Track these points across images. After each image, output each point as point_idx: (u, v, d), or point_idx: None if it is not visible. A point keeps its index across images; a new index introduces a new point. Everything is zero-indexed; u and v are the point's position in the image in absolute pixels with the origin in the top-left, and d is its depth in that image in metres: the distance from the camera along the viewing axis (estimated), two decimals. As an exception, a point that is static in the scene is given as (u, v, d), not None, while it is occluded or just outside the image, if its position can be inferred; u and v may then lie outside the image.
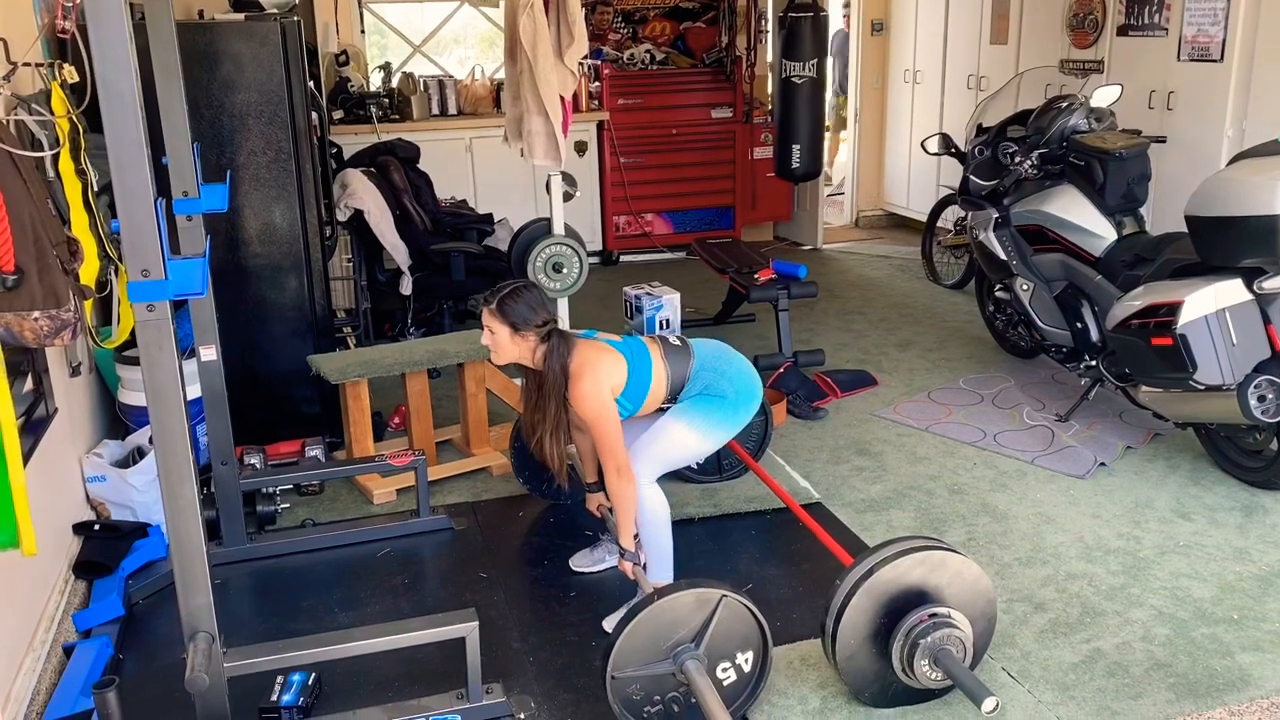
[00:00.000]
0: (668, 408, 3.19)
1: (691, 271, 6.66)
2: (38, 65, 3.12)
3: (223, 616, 2.43)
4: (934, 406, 4.81)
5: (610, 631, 3.09)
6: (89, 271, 2.93)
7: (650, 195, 7.65)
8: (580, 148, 7.37)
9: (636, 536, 3.08)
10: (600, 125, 7.46)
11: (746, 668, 2.69)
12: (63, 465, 3.43)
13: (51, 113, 2.88)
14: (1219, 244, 3.61)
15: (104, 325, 3.62)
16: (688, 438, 3.13)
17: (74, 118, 2.92)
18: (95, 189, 3.00)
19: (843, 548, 3.05)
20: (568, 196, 4.60)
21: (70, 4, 2.85)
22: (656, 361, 3.13)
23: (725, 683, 2.66)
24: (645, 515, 3.08)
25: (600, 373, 3.02)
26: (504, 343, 3.05)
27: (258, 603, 3.46)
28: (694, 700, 2.55)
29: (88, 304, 2.92)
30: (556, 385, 3.03)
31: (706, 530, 3.74)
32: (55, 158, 2.88)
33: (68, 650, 3.01)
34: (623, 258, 7.77)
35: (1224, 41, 5.24)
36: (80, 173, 2.96)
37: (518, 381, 4.48)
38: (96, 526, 3.52)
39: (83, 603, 3.27)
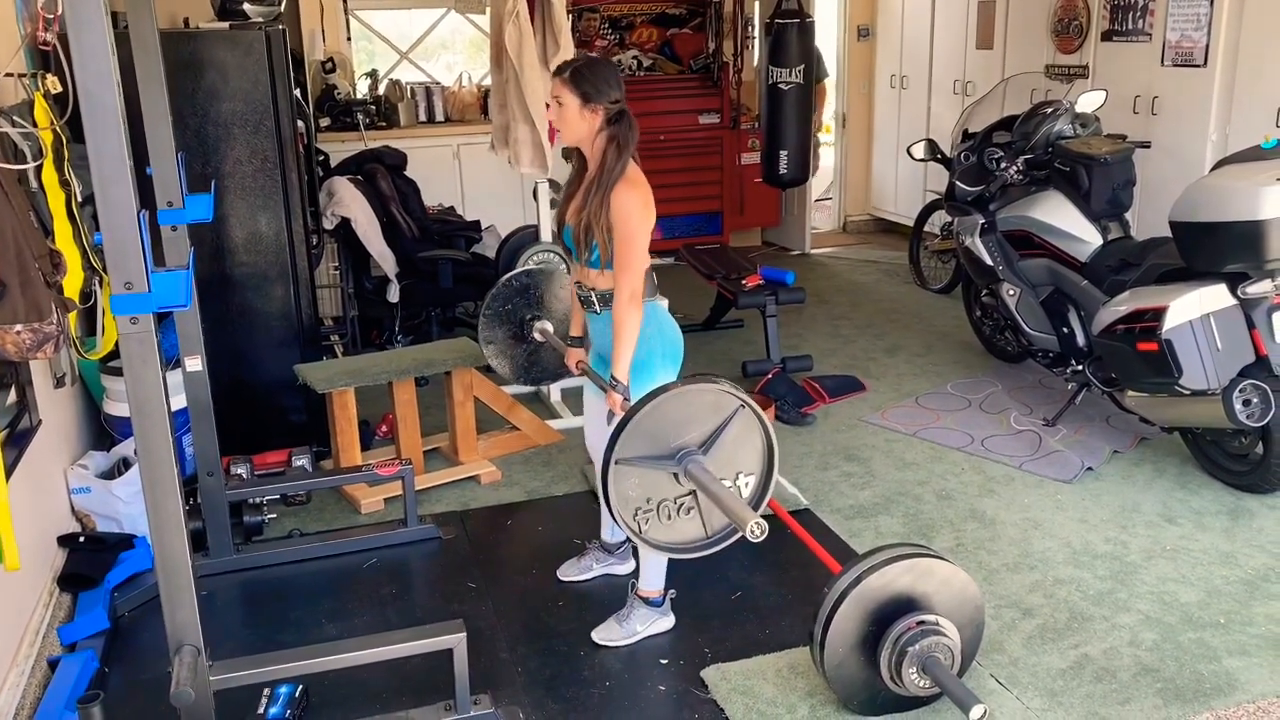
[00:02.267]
0: (594, 306, 3.04)
1: (679, 277, 6.66)
2: (20, 76, 3.11)
3: (209, 629, 2.42)
4: (922, 412, 4.82)
5: (600, 642, 3.10)
6: (73, 283, 2.92)
7: (638, 201, 7.63)
8: (568, 154, 7.35)
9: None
10: (588, 131, 7.44)
11: (744, 491, 2.61)
12: (47, 477, 3.41)
13: (35, 124, 2.87)
14: (1203, 249, 3.63)
15: (89, 336, 3.60)
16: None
17: (57, 129, 2.90)
18: (79, 200, 2.99)
19: (831, 555, 3.05)
20: (554, 203, 4.60)
21: (51, 15, 2.83)
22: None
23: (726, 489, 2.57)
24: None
25: (649, 196, 2.90)
26: (572, 115, 2.89)
27: (244, 614, 3.44)
28: (689, 511, 2.47)
29: (72, 315, 2.91)
30: (611, 176, 2.86)
31: (695, 538, 3.73)
32: (39, 169, 2.86)
33: (52, 664, 2.99)
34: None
35: (1207, 47, 5.27)
36: (64, 184, 2.94)
37: (505, 390, 4.49)
38: (81, 539, 3.50)
39: (68, 616, 3.25)
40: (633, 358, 2.97)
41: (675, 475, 2.52)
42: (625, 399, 2.92)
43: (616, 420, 2.57)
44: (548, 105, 4.22)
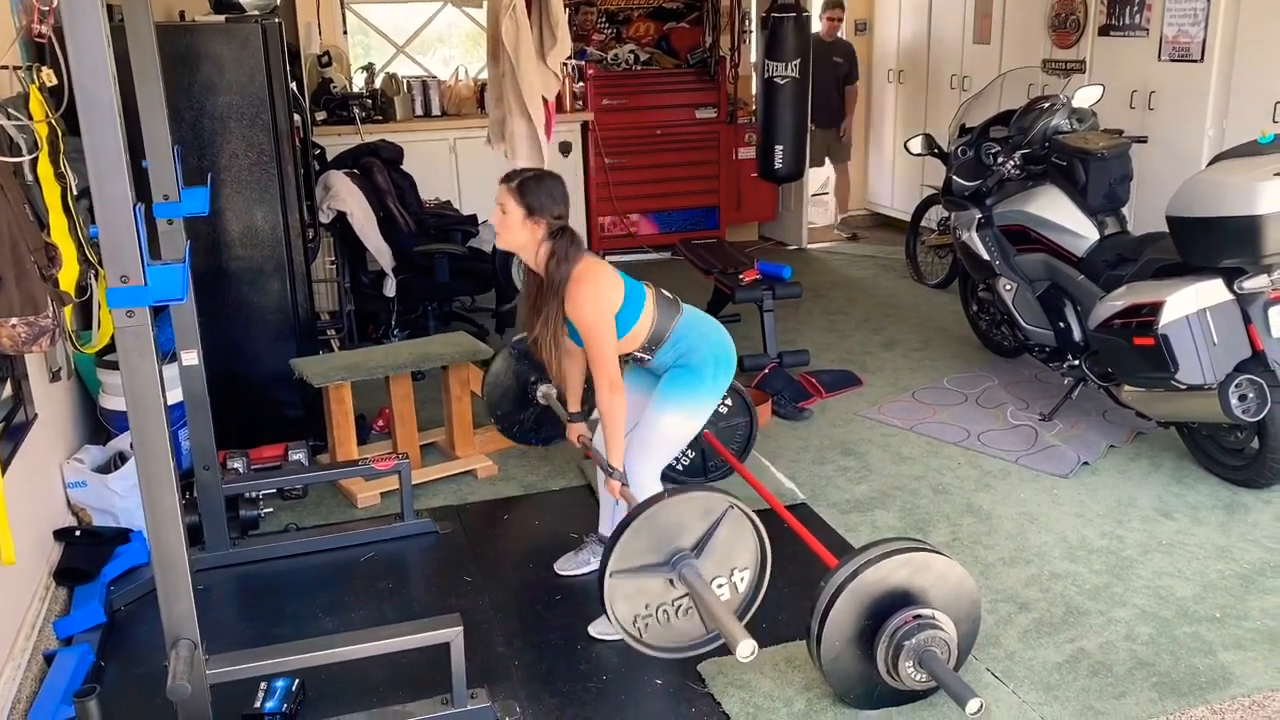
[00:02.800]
0: (641, 360, 3.12)
1: (677, 272, 6.65)
2: (16, 68, 3.09)
3: (205, 623, 2.42)
4: (918, 406, 4.82)
5: (596, 636, 3.10)
6: (68, 276, 2.91)
7: (635, 195, 7.65)
8: (565, 148, 7.35)
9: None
10: (585, 126, 7.45)
11: (741, 586, 2.65)
12: (43, 471, 3.40)
13: (30, 117, 2.86)
14: (1200, 244, 3.63)
15: (85, 329, 3.59)
16: (678, 420, 3.09)
17: (53, 121, 2.90)
18: (75, 193, 2.98)
19: (828, 549, 3.06)
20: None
21: (46, 8, 2.82)
22: (649, 305, 3.05)
23: (718, 596, 2.62)
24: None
25: (601, 283, 2.94)
26: (514, 224, 2.94)
27: (241, 608, 3.44)
28: (686, 612, 2.51)
29: (67, 309, 2.90)
30: (558, 286, 2.92)
31: (692, 532, 3.74)
32: (34, 162, 2.86)
33: (48, 658, 2.99)
34: (608, 258, 7.70)
35: (1204, 42, 5.27)
36: (59, 176, 2.94)
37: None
38: (78, 533, 3.49)
39: (64, 610, 3.25)
40: (685, 368, 3.07)
41: (670, 580, 2.57)
42: (623, 484, 3.00)
43: (611, 533, 2.61)
44: (544, 100, 4.23)
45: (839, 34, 7.90)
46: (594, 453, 3.23)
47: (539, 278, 3.00)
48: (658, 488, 3.09)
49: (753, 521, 2.60)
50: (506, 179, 2.99)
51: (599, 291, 2.93)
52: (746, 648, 2.41)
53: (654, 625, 2.62)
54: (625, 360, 3.10)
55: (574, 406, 3.37)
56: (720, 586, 2.62)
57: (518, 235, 2.96)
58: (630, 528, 2.51)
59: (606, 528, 3.48)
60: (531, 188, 2.93)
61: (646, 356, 3.11)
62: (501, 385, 3.72)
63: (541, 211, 2.92)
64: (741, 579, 2.64)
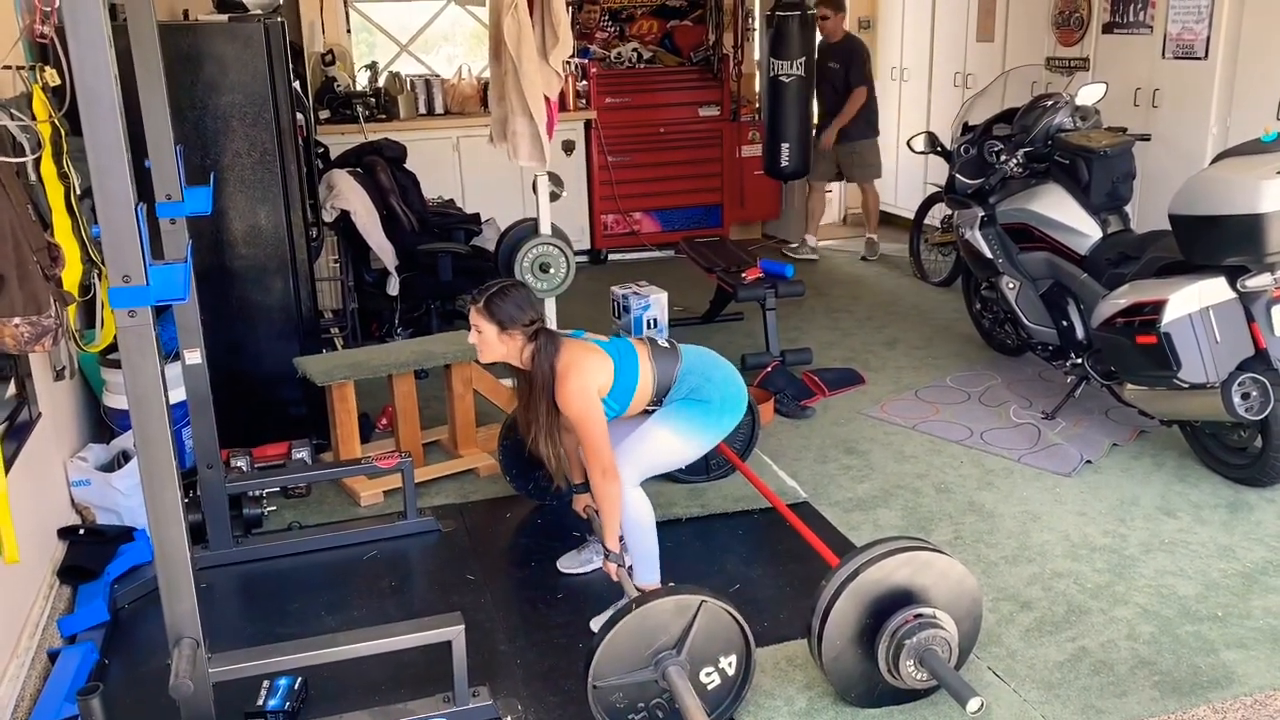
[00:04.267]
0: (653, 410, 3.19)
1: (680, 270, 6.66)
2: (19, 68, 3.10)
3: (208, 621, 2.42)
4: (921, 404, 4.82)
5: (597, 633, 3.10)
6: (72, 276, 2.92)
7: (638, 194, 7.65)
8: (568, 146, 7.36)
9: (621, 539, 3.08)
10: (588, 124, 7.45)
11: (730, 671, 2.69)
12: (47, 470, 3.41)
13: (33, 117, 2.86)
14: (1202, 242, 3.63)
15: (88, 328, 3.60)
16: (672, 442, 3.14)
17: (56, 121, 2.90)
18: (78, 192, 2.99)
19: (829, 548, 3.06)
20: (554, 196, 4.60)
21: (49, 8, 2.83)
22: (644, 363, 3.13)
23: (710, 687, 2.66)
24: (629, 518, 3.08)
25: (586, 372, 3.02)
26: (491, 341, 3.05)
27: (244, 606, 3.45)
28: (677, 706, 2.55)
29: (71, 308, 2.91)
30: (545, 384, 3.03)
31: (693, 530, 3.74)
32: (37, 162, 2.86)
33: (52, 656, 3.00)
34: (611, 256, 7.77)
35: (1208, 39, 5.25)
36: (63, 176, 2.94)
37: (505, 382, 4.49)
38: (81, 531, 3.51)
39: (67, 608, 3.26)
40: (696, 397, 3.13)
41: (656, 681, 2.60)
42: (619, 566, 3.06)
43: (590, 645, 2.63)
44: (546, 99, 4.23)
45: (841, 34, 7.31)
46: (596, 528, 3.30)
47: (529, 375, 3.09)
48: (639, 494, 3.12)
49: (728, 611, 2.64)
50: (473, 300, 3.08)
51: (584, 382, 3.00)
52: None
53: None
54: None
55: (577, 478, 3.45)
56: (709, 675, 2.66)
57: (497, 349, 3.06)
58: (607, 639, 2.54)
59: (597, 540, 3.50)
60: (497, 305, 3.02)
61: (655, 408, 3.19)
62: (514, 445, 3.77)
63: (513, 323, 3.02)
64: (729, 664, 2.68)
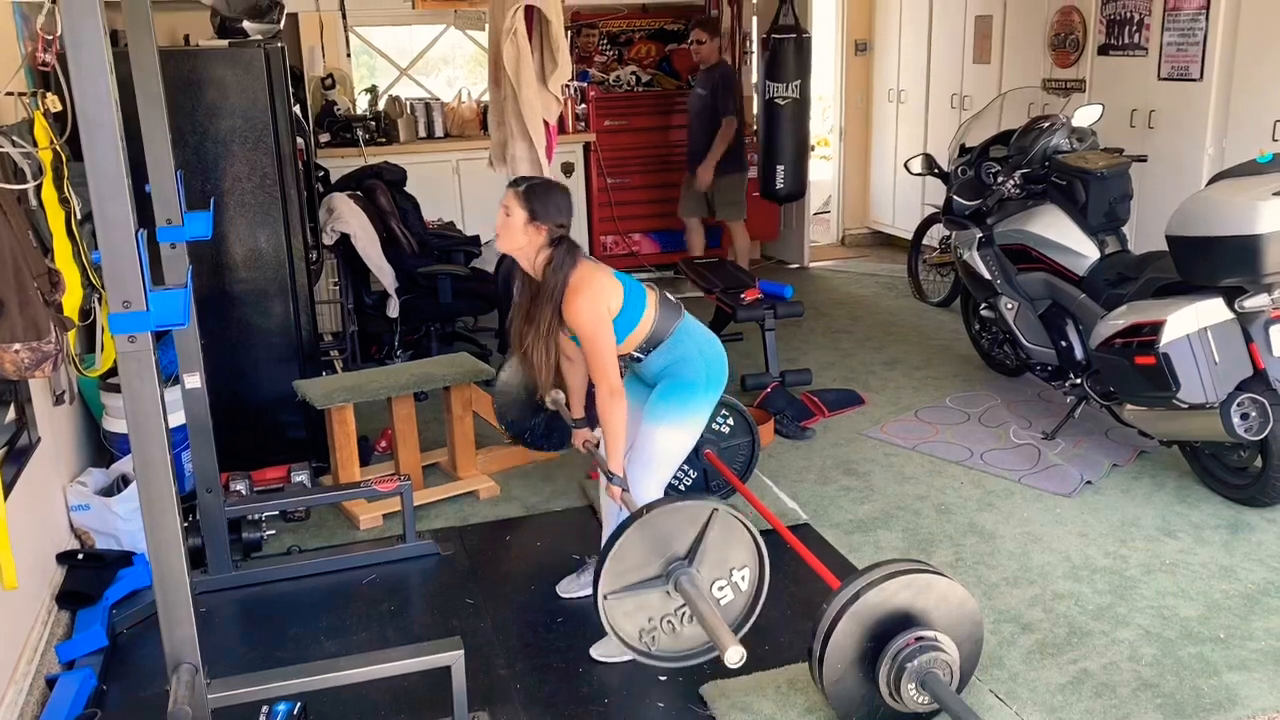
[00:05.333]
0: (637, 360, 3.11)
1: (678, 291, 6.66)
2: (20, 95, 3.12)
3: (207, 646, 2.41)
4: (921, 425, 4.82)
5: (598, 658, 3.09)
6: (72, 300, 2.93)
7: (637, 215, 7.67)
8: (567, 169, 7.38)
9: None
10: (587, 146, 7.48)
11: (743, 585, 2.63)
12: (46, 494, 3.41)
13: (34, 143, 2.88)
14: (1200, 263, 3.64)
15: (88, 353, 3.61)
16: (674, 435, 3.09)
17: (57, 147, 2.92)
18: (79, 218, 3.00)
19: (830, 570, 3.05)
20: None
21: (51, 35, 2.85)
22: (650, 307, 3.06)
23: (722, 601, 2.61)
24: None
25: (598, 290, 2.95)
26: (516, 227, 2.96)
27: (243, 631, 3.44)
28: (692, 619, 2.50)
29: (71, 333, 2.92)
30: (553, 294, 2.94)
31: (694, 553, 3.73)
32: (38, 187, 2.88)
33: (50, 682, 2.99)
34: (610, 277, 7.76)
35: (1203, 61, 5.29)
36: (63, 202, 2.96)
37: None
38: (80, 556, 3.50)
39: (66, 633, 3.25)
40: (678, 380, 3.07)
41: (668, 592, 2.57)
42: (624, 490, 3.00)
43: (599, 555, 2.62)
44: (546, 123, 4.25)
45: (715, 59, 6.75)
46: (598, 457, 3.23)
47: (536, 284, 3.02)
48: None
49: (741, 520, 2.59)
50: (514, 184, 3.02)
51: (597, 298, 2.94)
52: (735, 654, 2.40)
53: (661, 637, 2.60)
54: (622, 361, 3.11)
55: (577, 413, 3.37)
56: (722, 588, 2.60)
57: (517, 238, 2.98)
58: (616, 547, 2.50)
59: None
60: (538, 194, 2.97)
61: (642, 356, 3.11)
62: (510, 393, 3.71)
63: (544, 218, 2.95)
64: (742, 578, 2.62)
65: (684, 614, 2.57)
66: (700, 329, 3.18)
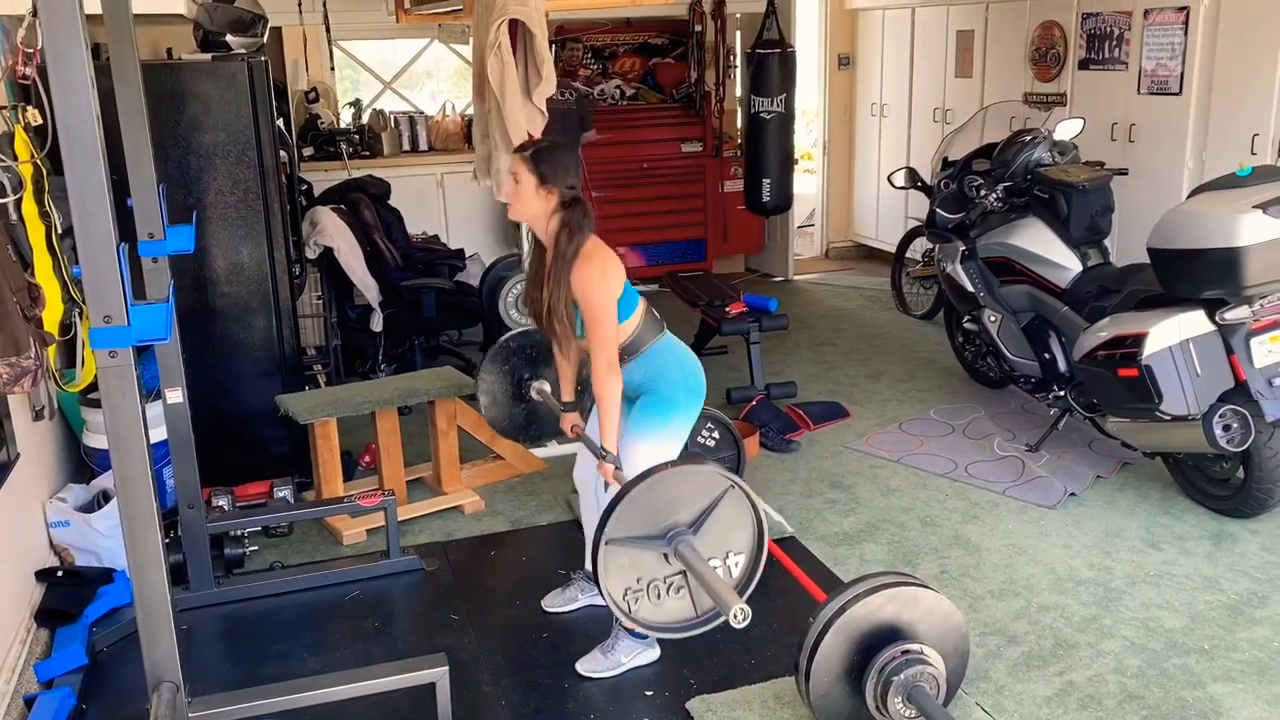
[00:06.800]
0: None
1: (664, 304, 6.65)
2: (1, 108, 3.10)
3: (189, 663, 2.39)
4: (906, 438, 4.83)
5: (584, 673, 3.08)
6: (52, 315, 2.90)
7: (622, 229, 7.65)
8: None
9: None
10: (571, 160, 7.47)
11: (735, 571, 2.61)
12: (25, 511, 3.37)
13: (14, 157, 2.86)
14: (1181, 276, 3.66)
15: (68, 368, 3.57)
16: (653, 450, 3.03)
17: (38, 161, 2.89)
18: (59, 231, 2.97)
19: (816, 583, 3.04)
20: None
21: (31, 49, 2.83)
22: (639, 310, 3.04)
23: (713, 570, 2.57)
24: None
25: (609, 263, 2.92)
26: (527, 194, 2.92)
27: (225, 648, 3.41)
28: (678, 590, 2.47)
29: (51, 348, 2.89)
30: (566, 258, 2.90)
31: (680, 567, 3.72)
32: (19, 201, 2.85)
33: (29, 701, 2.95)
34: (595, 291, 7.76)
35: (1182, 75, 5.33)
36: (44, 216, 2.93)
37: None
38: (60, 573, 3.46)
39: (45, 652, 3.21)
40: (656, 396, 3.04)
41: (665, 555, 2.53)
42: (617, 468, 2.95)
43: (608, 499, 2.58)
44: (530, 136, 4.24)
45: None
46: (586, 440, 3.19)
47: (545, 251, 2.97)
48: None
49: (752, 503, 2.56)
50: (520, 149, 2.98)
51: (606, 271, 2.90)
52: (740, 613, 2.36)
53: (644, 601, 2.56)
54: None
55: (567, 396, 3.33)
56: (714, 569, 2.56)
57: (530, 205, 2.94)
58: (629, 495, 2.45)
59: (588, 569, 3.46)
60: (546, 156, 2.93)
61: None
62: (491, 384, 3.67)
63: (555, 180, 2.91)
64: (736, 563, 2.59)
65: (672, 585, 2.53)
66: (679, 346, 3.16)
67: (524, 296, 3.15)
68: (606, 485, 3.02)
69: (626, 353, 3.04)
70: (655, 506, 2.50)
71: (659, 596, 2.57)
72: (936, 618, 2.71)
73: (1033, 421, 4.86)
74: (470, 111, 6.68)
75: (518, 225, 4.54)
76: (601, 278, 2.88)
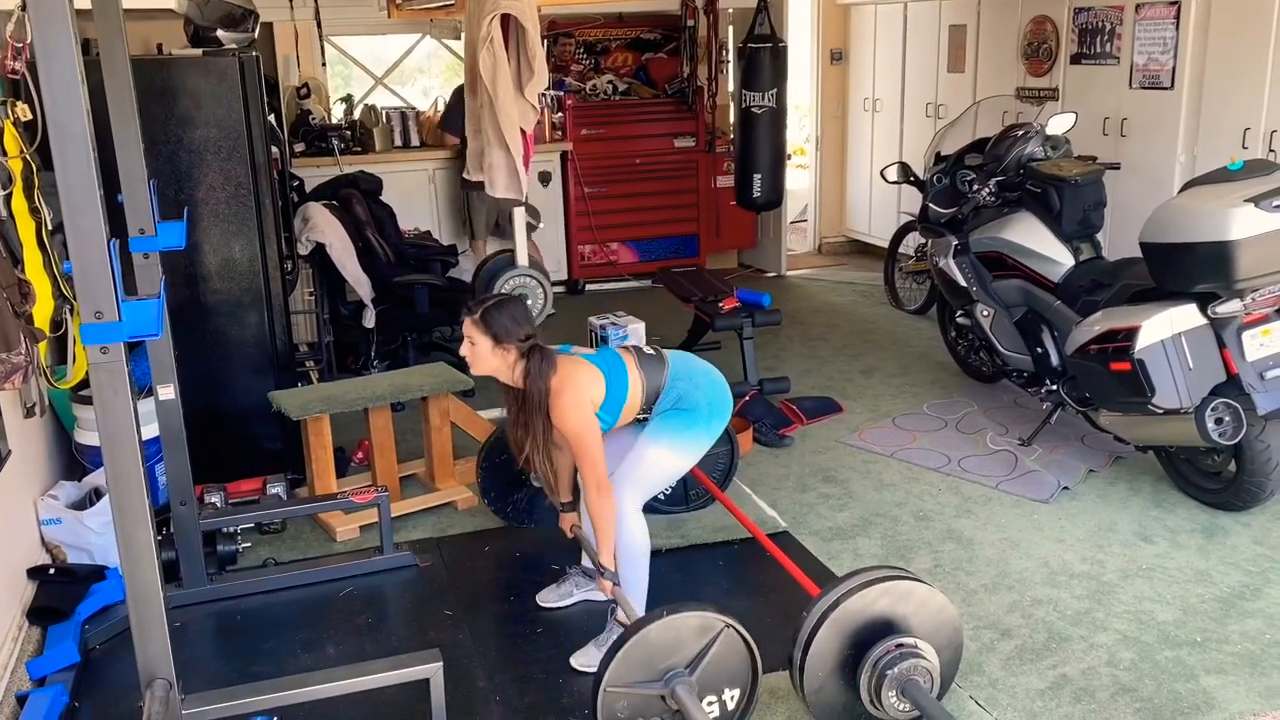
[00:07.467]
0: (644, 419, 3.16)
1: (657, 300, 6.67)
2: (-10, 103, 3.08)
3: (181, 660, 2.38)
4: (899, 432, 4.83)
5: (578, 668, 3.08)
6: (43, 312, 2.89)
7: (615, 224, 7.67)
8: (545, 178, 7.37)
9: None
10: (564, 155, 7.47)
11: (730, 705, 2.66)
12: (16, 508, 3.36)
13: (4, 152, 2.84)
14: (1173, 270, 3.67)
15: (59, 364, 3.56)
16: (668, 457, 3.12)
17: (27, 156, 2.88)
18: (49, 227, 2.96)
19: (810, 578, 3.05)
20: (531, 228, 4.61)
21: (20, 43, 2.81)
22: (632, 372, 3.09)
23: (709, 717, 2.63)
24: (625, 544, 3.06)
25: (581, 388, 2.99)
26: (484, 354, 3.01)
27: (218, 645, 3.40)
28: None
29: (42, 345, 2.88)
30: (539, 402, 2.99)
31: (674, 561, 3.72)
32: (8, 197, 2.84)
33: (21, 699, 2.94)
34: (588, 287, 7.77)
35: (1174, 70, 5.34)
36: (34, 211, 2.92)
37: (483, 414, 4.47)
38: (51, 570, 3.45)
39: (37, 649, 3.20)
40: (682, 403, 3.10)
41: (663, 697, 2.58)
42: (615, 584, 3.02)
43: (606, 649, 2.64)
44: (523, 132, 4.24)
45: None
46: (585, 544, 3.27)
47: (520, 394, 3.05)
48: (639, 519, 3.09)
49: (746, 641, 2.63)
50: (468, 311, 3.05)
51: (580, 398, 2.99)
52: None
53: None
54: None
55: (565, 497, 3.41)
56: (710, 705, 2.63)
57: (489, 362, 3.04)
58: (627, 644, 2.52)
59: (589, 560, 3.46)
60: (493, 317, 2.99)
61: (647, 415, 3.16)
62: (493, 472, 3.76)
63: (508, 337, 2.99)
64: (731, 698, 2.66)
65: None
66: (691, 365, 3.21)
67: (509, 435, 3.23)
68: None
69: (649, 403, 3.13)
70: (652, 652, 2.56)
71: None
72: (930, 611, 2.71)
73: (1025, 416, 4.87)
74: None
75: (510, 220, 4.53)
76: (576, 407, 2.98)
